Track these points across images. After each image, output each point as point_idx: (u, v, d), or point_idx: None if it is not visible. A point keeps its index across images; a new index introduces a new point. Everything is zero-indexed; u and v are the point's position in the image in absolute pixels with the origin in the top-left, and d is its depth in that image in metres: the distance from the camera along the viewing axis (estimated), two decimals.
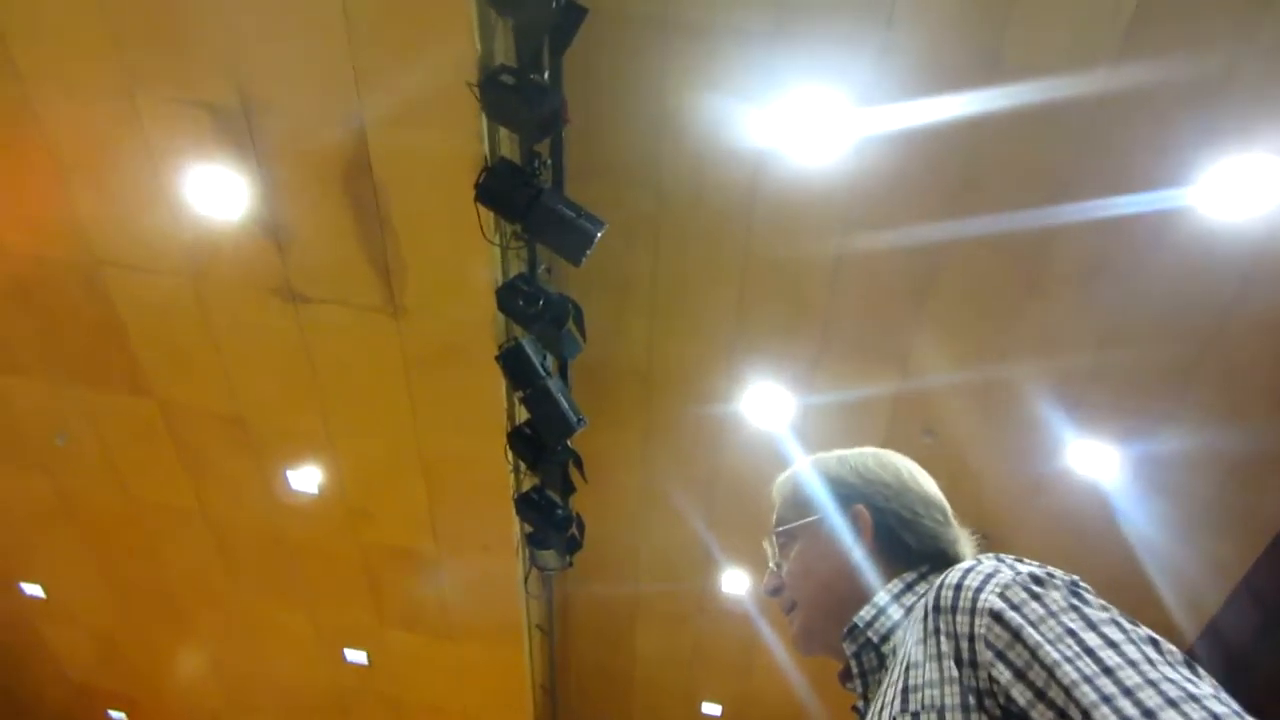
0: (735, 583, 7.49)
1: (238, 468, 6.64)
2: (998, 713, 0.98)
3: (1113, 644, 0.93)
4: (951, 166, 4.86)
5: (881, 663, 1.24)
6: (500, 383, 5.43)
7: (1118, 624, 0.97)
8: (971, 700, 1.00)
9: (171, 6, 4.36)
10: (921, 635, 1.10)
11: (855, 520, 1.36)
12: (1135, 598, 6.34)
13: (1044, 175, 4.81)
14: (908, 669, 1.10)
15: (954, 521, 1.39)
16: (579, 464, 5.51)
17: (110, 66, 4.61)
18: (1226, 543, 6.16)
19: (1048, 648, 0.95)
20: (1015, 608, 1.00)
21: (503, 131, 4.59)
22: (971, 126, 4.62)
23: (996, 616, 1.01)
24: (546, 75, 4.12)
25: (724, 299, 5.71)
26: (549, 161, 4.53)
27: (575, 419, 5.08)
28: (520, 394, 5.15)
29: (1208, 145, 4.50)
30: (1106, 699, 0.88)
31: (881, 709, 1.12)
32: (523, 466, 5.91)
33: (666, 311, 5.87)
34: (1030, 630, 0.97)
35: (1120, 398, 5.63)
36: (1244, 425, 5.55)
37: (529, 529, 6.18)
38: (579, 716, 9.60)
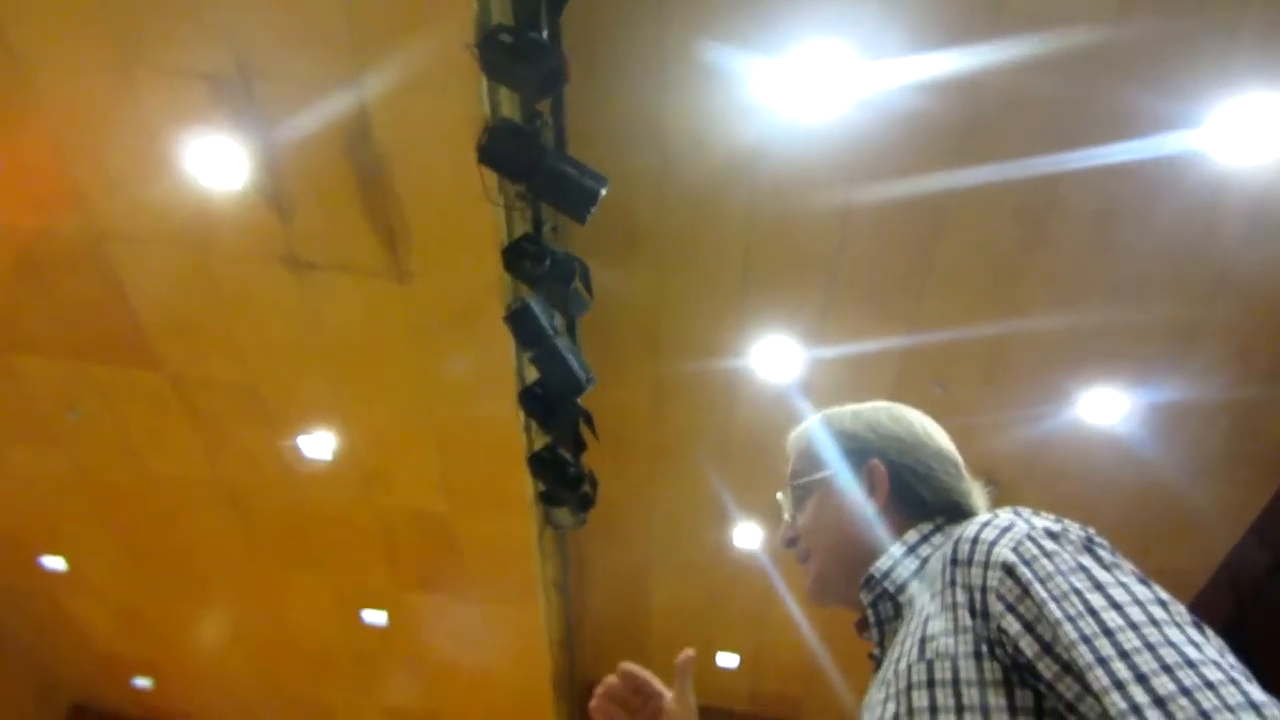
0: (748, 536, 7.54)
1: (251, 437, 6.69)
2: (1007, 662, 1.01)
3: (1116, 605, 0.94)
4: (957, 117, 4.81)
5: (898, 612, 1.25)
6: (509, 343, 5.43)
7: (1124, 585, 0.97)
8: (984, 649, 1.03)
9: None
10: (940, 587, 1.13)
11: (871, 474, 1.38)
12: (1145, 544, 6.39)
13: (1050, 123, 4.75)
14: (926, 619, 1.12)
15: (966, 474, 1.41)
16: (590, 422, 5.52)
17: (105, 39, 4.57)
18: (1236, 487, 6.18)
19: (1052, 605, 0.97)
20: (1026, 563, 1.02)
21: (503, 92, 4.55)
22: (976, 76, 4.56)
23: (1008, 570, 1.03)
24: (545, 33, 4.07)
25: (730, 253, 5.68)
26: (550, 120, 4.50)
27: (585, 377, 5.08)
28: (529, 354, 5.15)
29: (1216, 87, 4.44)
30: (1102, 660, 0.90)
31: (900, 657, 1.14)
32: (534, 426, 5.93)
33: (673, 267, 5.85)
34: (1038, 586, 0.99)
35: (1130, 345, 5.62)
36: (1254, 370, 5.54)
37: (542, 488, 6.22)
38: (596, 671, 9.73)
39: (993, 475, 6.11)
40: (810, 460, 1.46)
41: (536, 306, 4.97)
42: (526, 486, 6.42)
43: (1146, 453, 6.04)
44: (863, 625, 1.33)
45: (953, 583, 1.10)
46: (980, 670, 1.02)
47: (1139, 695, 0.86)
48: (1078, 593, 0.97)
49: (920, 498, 1.35)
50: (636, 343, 6.34)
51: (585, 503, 6.19)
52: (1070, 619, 0.95)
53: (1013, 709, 0.99)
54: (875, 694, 1.18)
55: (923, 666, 1.07)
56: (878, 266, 5.60)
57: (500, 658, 8.34)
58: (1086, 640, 0.92)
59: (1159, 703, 0.84)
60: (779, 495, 1.53)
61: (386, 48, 4.41)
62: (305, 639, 8.74)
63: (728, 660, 8.95)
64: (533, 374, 5.37)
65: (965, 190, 5.03)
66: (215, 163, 5.00)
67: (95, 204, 5.36)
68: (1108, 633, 0.92)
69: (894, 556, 1.29)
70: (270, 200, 5.16)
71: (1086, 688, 0.91)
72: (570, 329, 5.33)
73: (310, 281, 5.55)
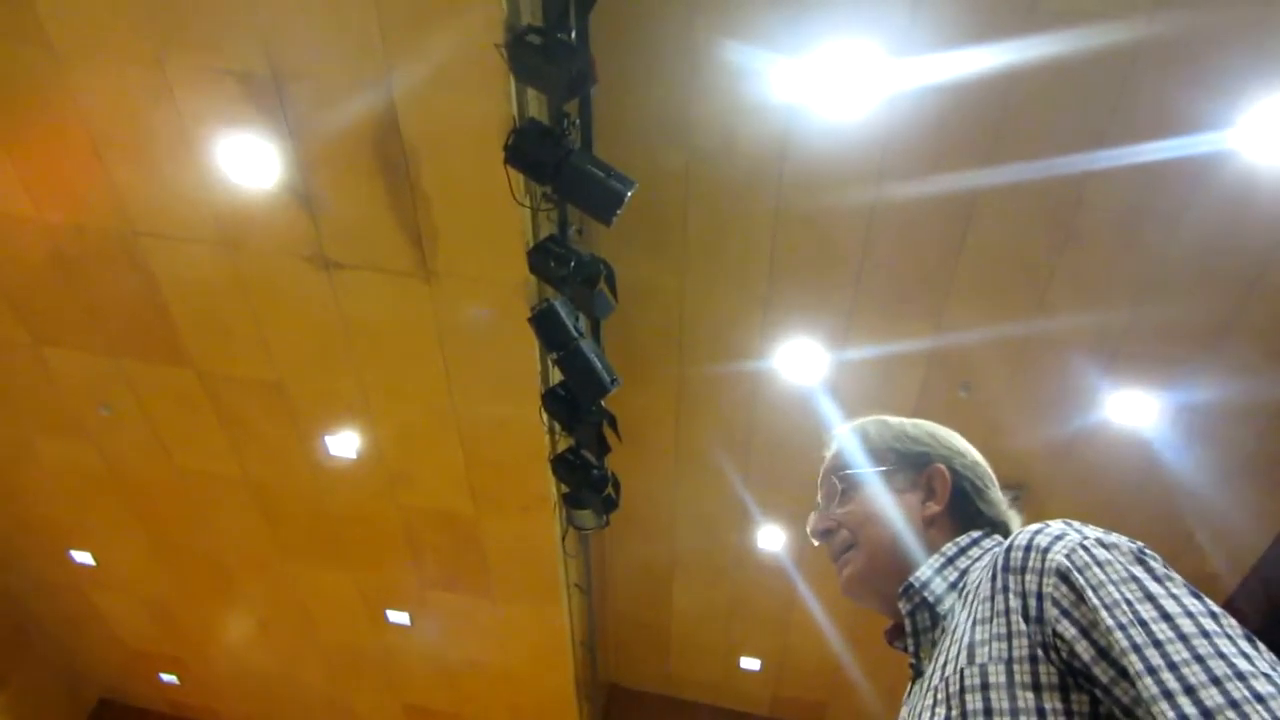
0: (771, 539, 7.52)
1: (278, 434, 6.75)
2: (1062, 666, 1.03)
3: (1167, 616, 0.96)
4: (986, 116, 4.79)
5: (935, 622, 1.26)
6: (534, 344, 5.46)
7: (1175, 597, 0.99)
8: (1039, 653, 1.05)
9: None
10: (990, 593, 1.14)
11: (933, 478, 1.39)
12: (1174, 548, 6.32)
13: (1080, 123, 4.72)
14: (974, 625, 1.14)
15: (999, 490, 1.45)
16: (613, 424, 5.53)
17: (141, 37, 4.64)
18: (1267, 491, 6.10)
19: (1104, 613, 0.99)
20: (1080, 569, 1.04)
21: (531, 92, 4.57)
22: (1006, 75, 4.55)
23: (1063, 576, 1.05)
24: (573, 34, 4.08)
25: (756, 255, 5.68)
26: (577, 121, 4.51)
27: (609, 379, 5.09)
28: (553, 355, 5.17)
29: (1248, 86, 4.40)
30: (1152, 670, 0.91)
31: (945, 664, 1.15)
32: (558, 427, 5.95)
33: (698, 269, 5.85)
34: (1091, 594, 1.01)
35: (1159, 347, 5.56)
36: None
37: (565, 489, 6.24)
38: (618, 673, 9.74)
39: (1020, 479, 6.06)
40: (867, 453, 1.47)
41: (561, 308, 4.98)
42: (550, 488, 6.44)
43: (1175, 455, 5.98)
44: (894, 634, 1.35)
45: (1005, 589, 1.11)
46: (1035, 674, 1.04)
47: (1187, 707, 0.87)
48: (1129, 603, 0.98)
49: (973, 510, 1.38)
50: (661, 345, 6.34)
51: (609, 505, 6.20)
52: (1121, 627, 0.96)
53: (1069, 713, 1.01)
54: (921, 700, 1.19)
55: (975, 670, 1.08)
56: (904, 267, 5.58)
57: (523, 658, 8.36)
58: (1137, 649, 0.94)
59: (1206, 715, 0.86)
60: (821, 483, 1.52)
61: (416, 49, 4.45)
62: (330, 637, 8.79)
63: (750, 664, 8.93)
64: (557, 375, 5.39)
65: (993, 189, 5.01)
66: (247, 161, 5.06)
67: (129, 200, 5.43)
68: (1157, 644, 0.93)
69: (933, 567, 1.30)
70: (300, 199, 5.21)
71: (1138, 696, 0.93)
72: (595, 331, 5.34)
73: (338, 280, 5.60)
